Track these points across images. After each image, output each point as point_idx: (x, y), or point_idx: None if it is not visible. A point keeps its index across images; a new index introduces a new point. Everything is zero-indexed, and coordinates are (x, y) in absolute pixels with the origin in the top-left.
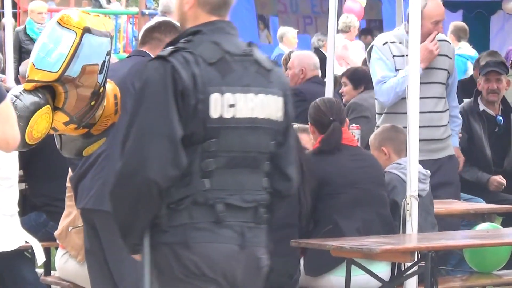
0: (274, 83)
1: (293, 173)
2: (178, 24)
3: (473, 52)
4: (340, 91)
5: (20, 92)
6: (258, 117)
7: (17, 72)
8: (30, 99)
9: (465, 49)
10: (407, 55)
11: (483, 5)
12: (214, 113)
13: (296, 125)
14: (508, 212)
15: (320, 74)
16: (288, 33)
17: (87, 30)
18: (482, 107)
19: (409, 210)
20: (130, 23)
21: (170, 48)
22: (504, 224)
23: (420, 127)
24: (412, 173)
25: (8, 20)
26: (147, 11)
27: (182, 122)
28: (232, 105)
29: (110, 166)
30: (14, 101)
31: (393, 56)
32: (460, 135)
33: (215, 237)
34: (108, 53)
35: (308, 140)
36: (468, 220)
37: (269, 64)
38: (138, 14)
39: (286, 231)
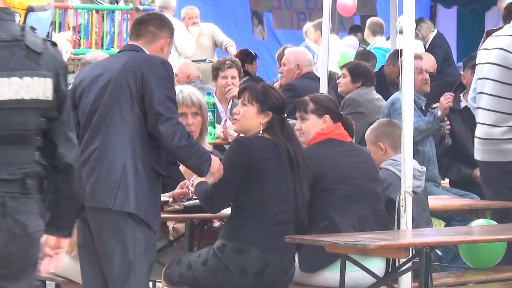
0: (43, 65)
1: (65, 146)
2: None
3: (389, 44)
4: (338, 81)
5: None
6: (24, 98)
7: None
8: None
9: (381, 42)
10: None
11: (478, 1)
12: None
13: (291, 121)
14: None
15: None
16: (312, 29)
17: (29, 10)
18: (464, 103)
19: (403, 206)
20: (125, 19)
21: None
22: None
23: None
24: (406, 169)
25: None
26: (141, 7)
27: None
28: None
29: (103, 164)
30: None
31: None
32: (448, 131)
33: None
34: (51, 23)
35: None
36: (462, 216)
37: (40, 48)
38: (132, 10)
39: (282, 227)
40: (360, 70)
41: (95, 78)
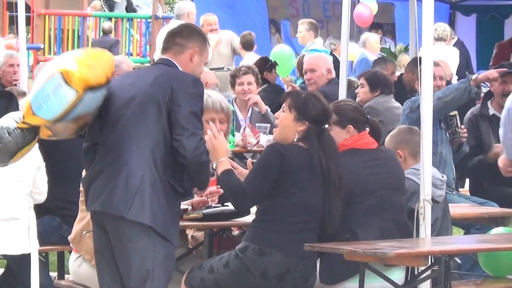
0: None
1: None
2: (199, 27)
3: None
4: (356, 91)
5: (13, 130)
6: None
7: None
8: (21, 137)
9: (319, 44)
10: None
11: (497, 9)
12: None
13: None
14: None
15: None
16: (371, 38)
17: (88, 89)
18: (492, 111)
19: (422, 214)
20: (144, 27)
21: None
22: None
23: None
24: (425, 177)
25: (22, 24)
26: (160, 15)
27: None
28: None
29: (122, 173)
30: (5, 135)
31: None
32: (465, 139)
33: None
34: (102, 95)
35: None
36: (481, 224)
37: None
38: (151, 18)
39: (305, 235)
40: (377, 79)
41: (124, 87)
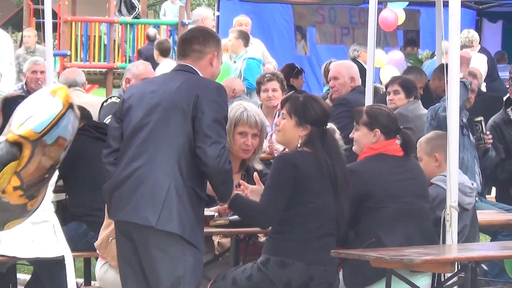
0: None
1: None
2: (213, 30)
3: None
4: (390, 98)
5: (2, 142)
6: None
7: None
8: (9, 149)
9: (251, 52)
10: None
11: None
12: None
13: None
14: None
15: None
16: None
17: (71, 107)
18: None
19: (449, 221)
20: (170, 34)
21: None
22: None
23: None
24: (452, 184)
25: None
26: (187, 21)
27: None
28: None
29: (148, 182)
30: None
31: None
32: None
33: None
34: (73, 135)
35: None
36: (508, 231)
37: None
38: (178, 25)
39: (324, 240)
40: (412, 84)
41: (146, 94)
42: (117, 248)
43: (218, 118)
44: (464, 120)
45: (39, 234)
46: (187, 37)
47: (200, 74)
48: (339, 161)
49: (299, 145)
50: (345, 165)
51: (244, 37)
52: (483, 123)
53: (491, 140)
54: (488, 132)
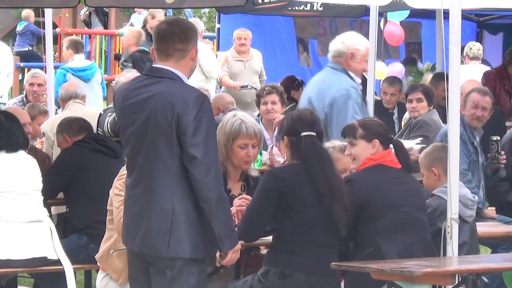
0: None
1: None
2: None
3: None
4: (413, 106)
5: None
6: None
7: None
8: None
9: (78, 61)
10: None
11: None
12: None
13: (333, 145)
14: None
15: None
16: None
17: None
18: None
19: (449, 233)
20: None
21: None
22: None
23: None
24: (452, 196)
25: (49, 42)
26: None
27: None
28: None
29: (151, 210)
30: None
31: None
32: (504, 161)
33: None
34: None
35: (348, 162)
36: (509, 243)
37: None
38: None
39: (324, 251)
40: (432, 93)
41: (128, 116)
42: (128, 266)
43: (202, 136)
44: (478, 138)
45: (33, 234)
46: (165, 33)
47: (181, 76)
48: (319, 168)
49: (283, 158)
50: (335, 172)
51: (74, 46)
52: (499, 143)
53: (505, 161)
54: (502, 152)
